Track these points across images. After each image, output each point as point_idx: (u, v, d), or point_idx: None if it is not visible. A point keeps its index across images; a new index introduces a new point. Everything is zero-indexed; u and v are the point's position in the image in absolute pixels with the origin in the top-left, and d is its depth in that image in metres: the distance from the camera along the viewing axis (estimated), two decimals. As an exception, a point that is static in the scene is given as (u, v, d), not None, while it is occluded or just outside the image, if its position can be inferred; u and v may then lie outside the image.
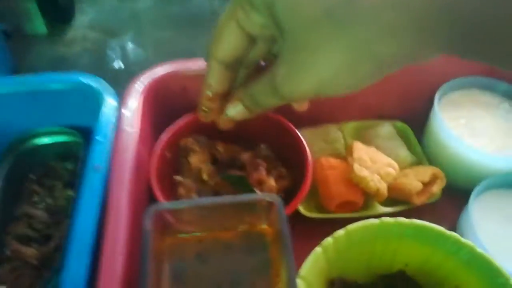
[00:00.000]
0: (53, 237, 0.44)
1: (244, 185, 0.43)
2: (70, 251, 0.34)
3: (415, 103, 0.54)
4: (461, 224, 0.46)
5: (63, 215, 0.45)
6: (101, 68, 0.78)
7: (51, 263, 0.41)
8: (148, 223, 0.29)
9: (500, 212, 0.47)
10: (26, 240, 0.44)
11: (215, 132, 0.43)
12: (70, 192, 0.47)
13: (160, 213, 0.31)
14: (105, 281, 0.32)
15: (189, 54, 0.47)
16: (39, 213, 0.45)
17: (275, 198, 0.30)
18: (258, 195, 0.31)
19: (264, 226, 0.33)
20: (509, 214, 0.47)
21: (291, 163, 0.47)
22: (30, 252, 0.42)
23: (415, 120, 0.54)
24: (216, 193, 0.44)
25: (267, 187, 0.43)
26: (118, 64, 0.80)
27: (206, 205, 0.32)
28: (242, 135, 0.46)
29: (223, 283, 0.31)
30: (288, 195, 0.45)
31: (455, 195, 0.47)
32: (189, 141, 0.46)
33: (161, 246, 0.32)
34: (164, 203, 0.32)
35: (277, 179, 0.45)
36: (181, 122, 0.46)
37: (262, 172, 0.44)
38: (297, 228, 0.46)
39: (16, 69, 0.73)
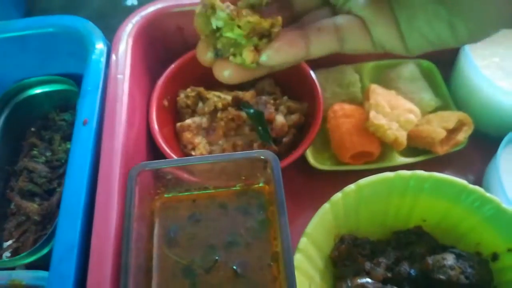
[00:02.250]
0: (55, 192, 0.43)
1: (260, 122, 0.41)
2: (62, 214, 0.32)
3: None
4: (487, 177, 0.42)
5: (63, 169, 0.44)
6: (114, 7, 0.74)
7: (54, 218, 0.40)
8: (132, 183, 0.27)
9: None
10: (29, 195, 0.43)
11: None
12: (68, 145, 0.45)
13: (148, 173, 0.29)
14: (98, 237, 0.31)
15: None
16: (40, 167, 0.44)
17: (270, 155, 0.27)
18: (253, 152, 0.28)
19: (261, 185, 0.30)
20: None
21: (300, 99, 0.44)
22: (32, 208, 0.41)
23: (443, 59, 0.48)
24: (226, 135, 0.41)
25: (278, 126, 0.41)
26: (131, 1, 0.76)
27: (199, 163, 0.30)
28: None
29: (217, 244, 0.29)
30: (300, 132, 0.43)
31: (482, 144, 0.43)
32: (188, 91, 0.43)
33: (152, 207, 0.30)
34: (150, 162, 0.30)
35: (287, 115, 0.42)
36: (177, 65, 0.43)
37: (270, 109, 0.41)
38: (309, 183, 0.44)
39: (28, 13, 0.70)
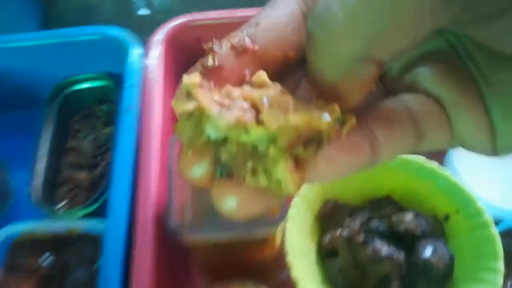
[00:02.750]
0: (98, 165, 0.53)
1: None
2: (113, 177, 0.43)
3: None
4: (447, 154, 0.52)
5: (104, 148, 0.54)
6: (126, 16, 0.83)
7: (98, 185, 0.50)
8: (172, 149, 0.37)
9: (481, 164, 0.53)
10: (77, 168, 0.53)
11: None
12: (108, 130, 0.55)
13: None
14: (142, 200, 0.41)
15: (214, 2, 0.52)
16: (85, 146, 0.54)
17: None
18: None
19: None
20: (490, 168, 0.53)
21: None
22: (81, 176, 0.52)
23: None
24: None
25: None
26: (143, 11, 0.85)
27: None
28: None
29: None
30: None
31: None
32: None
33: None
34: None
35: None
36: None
37: None
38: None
39: (45, 19, 0.79)
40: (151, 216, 0.39)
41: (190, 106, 0.13)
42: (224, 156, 0.14)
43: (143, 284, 0.37)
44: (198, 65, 0.15)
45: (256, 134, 0.13)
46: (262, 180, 0.14)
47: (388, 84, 0.18)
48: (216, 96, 0.13)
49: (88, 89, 0.58)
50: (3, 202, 0.55)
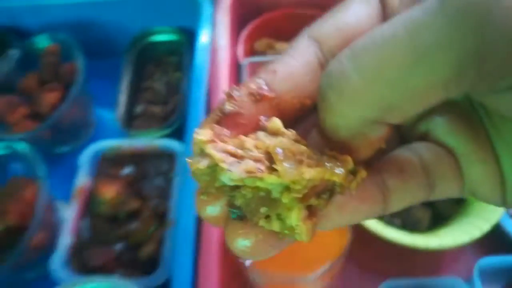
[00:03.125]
0: (169, 102, 0.64)
1: None
2: (188, 111, 0.53)
3: None
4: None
5: (175, 89, 0.65)
6: None
7: (171, 117, 0.61)
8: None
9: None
10: (152, 104, 0.64)
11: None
12: (178, 74, 0.66)
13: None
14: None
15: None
16: (159, 86, 0.65)
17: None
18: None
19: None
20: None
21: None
22: (156, 109, 0.63)
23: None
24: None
25: None
26: None
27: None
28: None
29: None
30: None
31: None
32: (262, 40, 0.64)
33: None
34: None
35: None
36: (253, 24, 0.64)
37: None
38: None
39: None
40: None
41: (204, 163, 0.14)
42: (239, 200, 0.14)
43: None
44: (214, 113, 0.15)
45: (269, 181, 0.13)
46: (275, 225, 0.14)
47: (402, 131, 0.18)
48: (230, 146, 0.14)
49: (162, 41, 0.69)
50: (89, 129, 0.66)
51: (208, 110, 0.53)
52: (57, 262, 0.50)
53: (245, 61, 0.58)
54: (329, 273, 0.39)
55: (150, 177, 0.56)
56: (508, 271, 0.48)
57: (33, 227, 0.49)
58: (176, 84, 0.65)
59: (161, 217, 0.53)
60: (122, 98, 0.63)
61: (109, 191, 0.54)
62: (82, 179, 0.56)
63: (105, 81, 0.66)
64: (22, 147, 0.54)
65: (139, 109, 0.64)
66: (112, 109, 0.62)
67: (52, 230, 0.54)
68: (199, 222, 0.47)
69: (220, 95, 0.54)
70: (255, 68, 0.53)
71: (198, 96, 0.54)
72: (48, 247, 0.53)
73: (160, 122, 0.62)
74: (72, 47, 0.63)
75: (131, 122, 0.62)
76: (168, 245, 0.50)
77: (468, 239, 0.45)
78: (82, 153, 0.58)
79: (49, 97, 0.59)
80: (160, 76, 0.66)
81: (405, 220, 0.49)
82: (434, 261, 0.52)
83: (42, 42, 0.65)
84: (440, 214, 0.51)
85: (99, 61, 0.71)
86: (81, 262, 0.52)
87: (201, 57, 0.57)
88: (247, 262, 0.39)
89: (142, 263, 0.51)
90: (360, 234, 0.48)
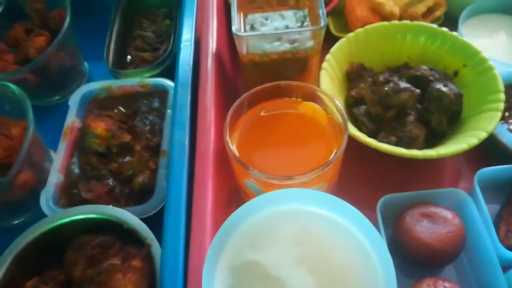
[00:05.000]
0: (159, 49, 0.63)
1: None
2: (178, 51, 0.52)
3: None
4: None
5: (164, 36, 0.65)
6: None
7: (161, 59, 0.61)
8: None
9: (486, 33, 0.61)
10: (142, 50, 0.63)
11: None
12: (167, 21, 0.66)
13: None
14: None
15: None
16: (148, 34, 0.65)
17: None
18: None
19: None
20: (494, 35, 0.61)
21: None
22: (145, 55, 0.62)
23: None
24: None
25: None
26: None
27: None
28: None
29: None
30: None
31: (454, 22, 0.61)
32: None
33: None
34: None
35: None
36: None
37: None
38: (328, 45, 0.63)
39: None
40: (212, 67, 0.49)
41: None
42: None
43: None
44: None
45: None
46: None
47: None
48: None
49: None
50: (80, 79, 0.66)
51: (197, 51, 0.53)
52: (46, 198, 0.49)
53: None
54: (326, 173, 0.38)
55: (142, 114, 0.55)
56: (510, 181, 0.47)
57: (18, 161, 0.47)
58: (165, 31, 0.65)
59: (154, 150, 0.52)
60: (112, 47, 0.62)
61: (100, 126, 0.52)
62: (72, 118, 0.55)
63: (96, 37, 0.65)
64: (10, 87, 0.53)
65: (129, 55, 0.63)
66: (103, 63, 0.62)
67: (43, 172, 0.53)
68: (191, 151, 0.46)
69: (209, 37, 0.54)
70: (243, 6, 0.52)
71: (188, 37, 0.54)
72: (39, 190, 0.51)
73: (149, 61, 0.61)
74: (59, -4, 0.62)
75: (122, 67, 0.62)
76: (162, 174, 0.49)
77: (466, 146, 0.45)
78: (72, 94, 0.57)
79: (37, 41, 0.58)
80: (149, 25, 0.66)
81: (401, 138, 0.49)
82: (433, 176, 0.51)
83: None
84: (435, 133, 0.50)
85: (89, 19, 0.70)
86: (72, 198, 0.50)
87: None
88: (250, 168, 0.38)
89: (135, 196, 0.50)
90: (358, 151, 0.47)
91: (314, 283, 0.31)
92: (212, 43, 0.53)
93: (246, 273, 0.32)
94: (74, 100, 0.56)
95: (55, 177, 0.51)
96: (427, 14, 0.62)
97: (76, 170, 0.52)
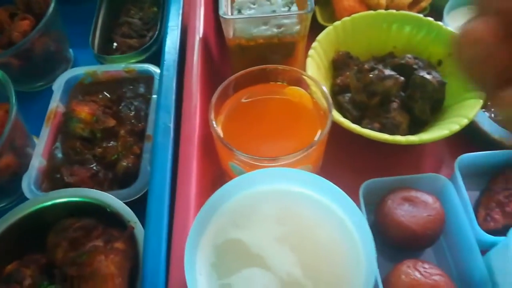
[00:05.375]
0: (146, 36, 0.63)
1: None
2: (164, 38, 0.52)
3: None
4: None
5: (151, 24, 0.64)
6: None
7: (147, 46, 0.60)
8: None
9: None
10: (128, 37, 0.63)
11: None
12: (155, 8, 0.65)
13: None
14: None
15: None
16: (135, 20, 0.64)
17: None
18: None
19: None
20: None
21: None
22: (132, 41, 0.61)
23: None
24: None
25: None
26: None
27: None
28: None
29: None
30: None
31: (439, 13, 0.62)
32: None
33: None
34: None
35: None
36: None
37: None
38: (314, 34, 0.63)
39: None
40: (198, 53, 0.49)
41: None
42: None
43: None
44: None
45: None
46: None
47: None
48: None
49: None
50: (65, 65, 0.65)
51: (184, 37, 0.53)
52: (28, 182, 0.48)
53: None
54: (310, 155, 0.39)
55: (128, 99, 0.55)
56: (490, 167, 0.48)
57: (0, 143, 0.47)
58: (152, 18, 0.64)
59: (138, 135, 0.52)
60: (98, 33, 0.62)
61: (84, 111, 0.52)
62: (56, 103, 0.54)
63: (82, 25, 0.65)
64: (-8, 71, 0.52)
65: (115, 43, 0.62)
66: (89, 50, 0.61)
67: (25, 157, 0.52)
68: (176, 136, 0.46)
69: (197, 22, 0.54)
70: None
71: (175, 23, 0.54)
72: (21, 174, 0.51)
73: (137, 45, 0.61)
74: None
75: (108, 53, 0.61)
76: (146, 159, 0.49)
77: (448, 132, 0.45)
78: (57, 79, 0.56)
79: (21, 25, 0.58)
80: (136, 12, 0.66)
81: (384, 124, 0.49)
82: (416, 162, 0.52)
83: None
84: (418, 121, 0.51)
85: (75, 6, 0.70)
86: (55, 182, 0.50)
87: None
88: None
89: (119, 180, 0.49)
90: (342, 137, 0.47)
91: (296, 261, 0.31)
92: (199, 28, 0.53)
93: (229, 251, 0.32)
94: (58, 85, 0.55)
95: (37, 162, 0.50)
96: (413, 4, 0.62)
97: (59, 155, 0.52)
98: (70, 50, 0.66)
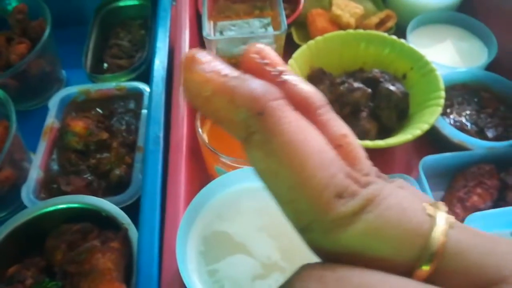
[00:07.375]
0: (135, 56, 0.68)
1: None
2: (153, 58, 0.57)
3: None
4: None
5: (139, 46, 0.69)
6: None
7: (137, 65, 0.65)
8: None
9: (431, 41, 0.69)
10: (118, 58, 0.68)
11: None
12: (142, 31, 0.70)
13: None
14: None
15: None
16: (124, 42, 0.69)
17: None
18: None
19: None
20: (438, 43, 0.69)
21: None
22: (121, 62, 0.66)
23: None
24: None
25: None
26: None
27: None
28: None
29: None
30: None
31: (403, 31, 0.68)
32: None
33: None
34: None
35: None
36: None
37: None
38: (291, 52, 0.69)
39: None
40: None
41: None
42: None
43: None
44: None
45: None
46: None
47: None
48: None
49: (126, 6, 0.73)
50: (58, 85, 0.69)
51: (171, 56, 0.58)
52: (27, 191, 0.52)
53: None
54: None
55: (119, 114, 0.59)
56: (452, 168, 0.53)
57: (1, 157, 0.50)
58: (140, 40, 0.69)
59: (130, 147, 0.56)
60: (90, 55, 0.66)
61: (79, 125, 0.56)
62: (51, 119, 0.58)
63: (74, 47, 0.69)
64: (-9, 90, 0.56)
65: (105, 64, 0.67)
66: (81, 71, 0.65)
67: (23, 171, 0.56)
68: (166, 145, 0.50)
69: (182, 43, 0.59)
70: (213, 15, 0.58)
71: (163, 44, 0.59)
72: (20, 186, 0.54)
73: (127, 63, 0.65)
74: (39, 7, 0.66)
75: (99, 76, 0.65)
76: (138, 168, 0.53)
77: (411, 136, 0.50)
78: (52, 97, 0.60)
79: (18, 48, 0.62)
80: (125, 35, 0.70)
81: (355, 132, 0.54)
82: (385, 165, 0.57)
83: (11, 4, 0.68)
84: (386, 128, 0.56)
85: (68, 30, 0.74)
86: (52, 192, 0.53)
87: (164, 11, 0.62)
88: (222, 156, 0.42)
89: (113, 189, 0.53)
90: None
91: (275, 247, 0.35)
92: (185, 48, 0.58)
93: (215, 241, 0.36)
94: (53, 102, 0.59)
95: (35, 173, 0.53)
96: (380, 25, 0.69)
97: (56, 167, 0.55)
98: (63, 71, 0.71)
